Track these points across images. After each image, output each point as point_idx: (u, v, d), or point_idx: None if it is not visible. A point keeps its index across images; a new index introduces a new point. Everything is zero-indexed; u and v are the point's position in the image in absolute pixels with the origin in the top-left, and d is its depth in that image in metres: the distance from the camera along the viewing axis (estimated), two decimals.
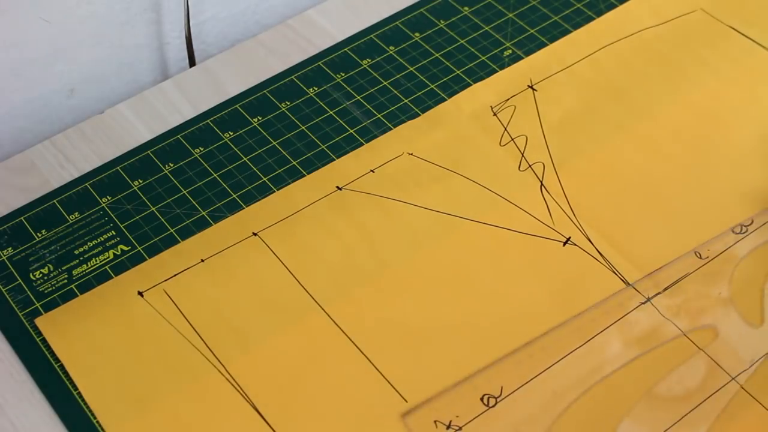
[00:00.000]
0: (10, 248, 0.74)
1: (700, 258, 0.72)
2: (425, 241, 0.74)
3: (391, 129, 0.81)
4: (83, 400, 0.66)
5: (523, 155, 0.79)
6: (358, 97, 0.84)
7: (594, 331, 0.68)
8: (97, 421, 0.65)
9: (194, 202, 0.77)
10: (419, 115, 0.82)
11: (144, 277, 0.72)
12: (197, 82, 0.86)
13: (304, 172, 0.78)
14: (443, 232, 0.74)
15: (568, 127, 0.81)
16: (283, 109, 0.83)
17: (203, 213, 0.76)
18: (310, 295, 0.71)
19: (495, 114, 0.82)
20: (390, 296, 0.71)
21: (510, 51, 0.87)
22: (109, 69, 0.88)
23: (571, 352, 0.67)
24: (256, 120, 0.83)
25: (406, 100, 0.84)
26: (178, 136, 0.82)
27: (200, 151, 0.80)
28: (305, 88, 0.85)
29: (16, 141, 0.85)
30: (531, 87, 0.84)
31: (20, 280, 0.72)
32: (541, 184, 0.77)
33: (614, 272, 0.71)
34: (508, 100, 0.83)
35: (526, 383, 0.66)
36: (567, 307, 0.69)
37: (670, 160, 0.79)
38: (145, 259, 0.73)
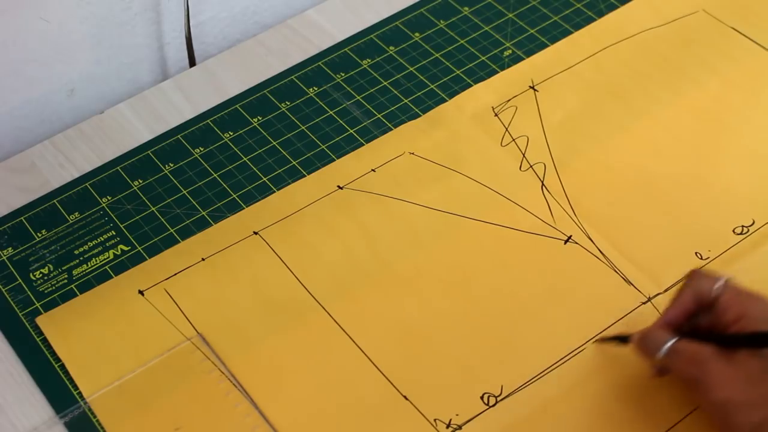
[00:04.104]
0: (10, 248, 0.74)
1: (701, 258, 0.72)
2: (427, 240, 0.74)
3: (391, 129, 0.81)
4: (83, 399, 0.66)
5: (524, 156, 0.79)
6: (358, 97, 0.84)
7: (595, 331, 0.68)
8: (97, 420, 0.65)
9: (194, 202, 0.77)
10: (419, 115, 0.82)
11: (144, 276, 0.72)
12: (197, 82, 0.86)
13: (305, 172, 0.78)
14: (445, 230, 0.74)
15: (569, 127, 0.81)
16: (283, 109, 0.83)
17: (203, 213, 0.76)
18: (311, 295, 0.70)
19: (496, 114, 0.82)
20: (391, 294, 0.71)
21: (510, 51, 0.87)
22: (109, 69, 0.88)
23: (572, 351, 0.67)
24: (256, 120, 0.82)
25: (406, 100, 0.83)
26: (178, 136, 0.81)
27: (200, 151, 0.80)
28: (305, 88, 0.85)
29: (16, 141, 0.85)
30: (532, 87, 0.84)
31: (20, 280, 0.72)
32: (542, 184, 0.77)
33: (615, 271, 0.71)
34: (509, 100, 0.83)
35: (527, 382, 0.66)
36: (567, 305, 0.69)
37: (671, 161, 0.78)
38: (145, 259, 0.73)
